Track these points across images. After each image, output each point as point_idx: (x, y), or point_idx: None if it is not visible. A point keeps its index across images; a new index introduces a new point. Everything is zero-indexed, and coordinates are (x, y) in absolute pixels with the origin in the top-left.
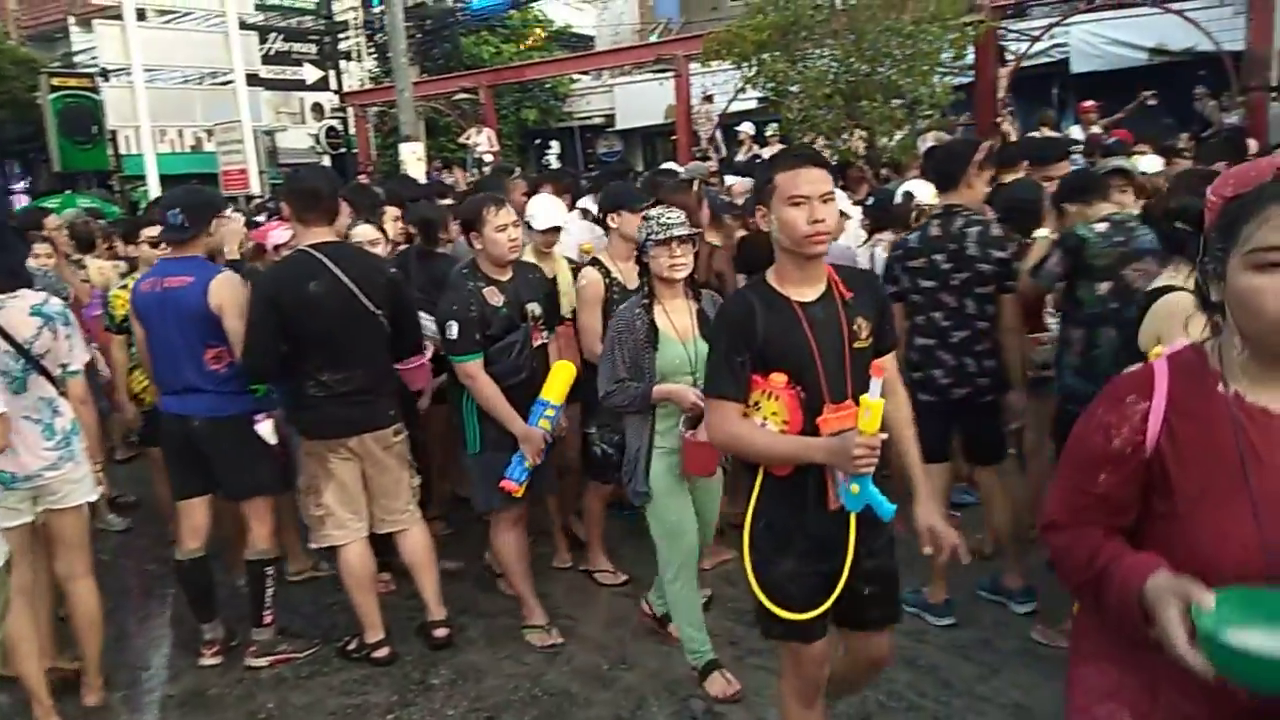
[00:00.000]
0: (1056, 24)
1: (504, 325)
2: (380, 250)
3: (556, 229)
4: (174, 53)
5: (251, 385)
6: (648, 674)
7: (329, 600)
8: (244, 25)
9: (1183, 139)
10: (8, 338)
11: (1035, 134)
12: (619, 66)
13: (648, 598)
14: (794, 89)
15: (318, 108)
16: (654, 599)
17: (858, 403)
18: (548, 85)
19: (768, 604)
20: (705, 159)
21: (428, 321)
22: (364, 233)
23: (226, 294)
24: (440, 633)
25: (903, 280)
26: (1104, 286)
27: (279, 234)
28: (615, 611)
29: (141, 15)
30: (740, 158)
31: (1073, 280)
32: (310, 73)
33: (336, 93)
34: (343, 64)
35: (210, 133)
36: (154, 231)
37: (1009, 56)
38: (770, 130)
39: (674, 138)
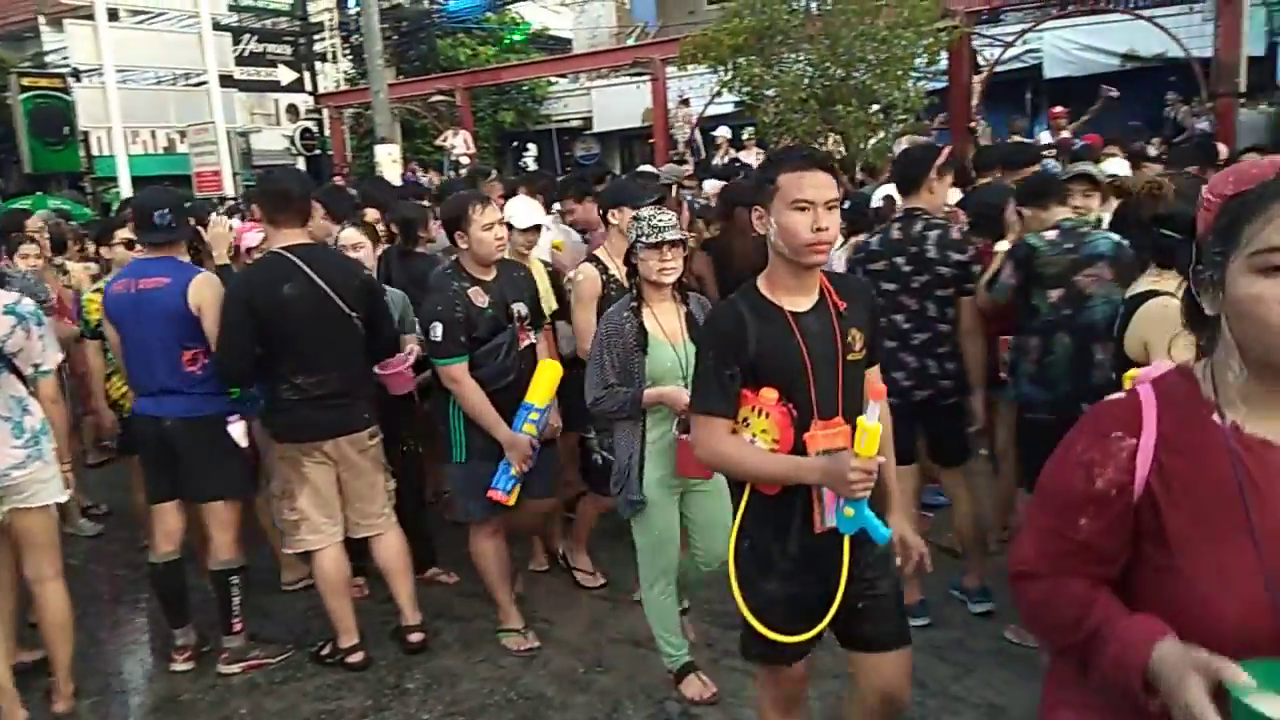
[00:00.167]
0: (1029, 30)
1: (490, 327)
2: (368, 252)
3: (537, 228)
4: (146, 53)
5: (228, 388)
6: (624, 677)
7: (302, 605)
8: (217, 26)
9: (1155, 144)
10: None
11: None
12: (596, 69)
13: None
14: (769, 93)
15: (293, 109)
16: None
17: (846, 419)
18: (525, 88)
19: (756, 624)
20: (682, 162)
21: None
22: (349, 236)
23: (207, 294)
24: (415, 637)
25: None
26: (1055, 294)
27: (252, 236)
28: (592, 615)
29: (113, 15)
30: (717, 161)
31: (1026, 289)
32: (285, 74)
33: (311, 94)
34: (318, 65)
35: (183, 134)
36: (129, 233)
37: (982, 62)
38: (747, 134)
39: (651, 141)
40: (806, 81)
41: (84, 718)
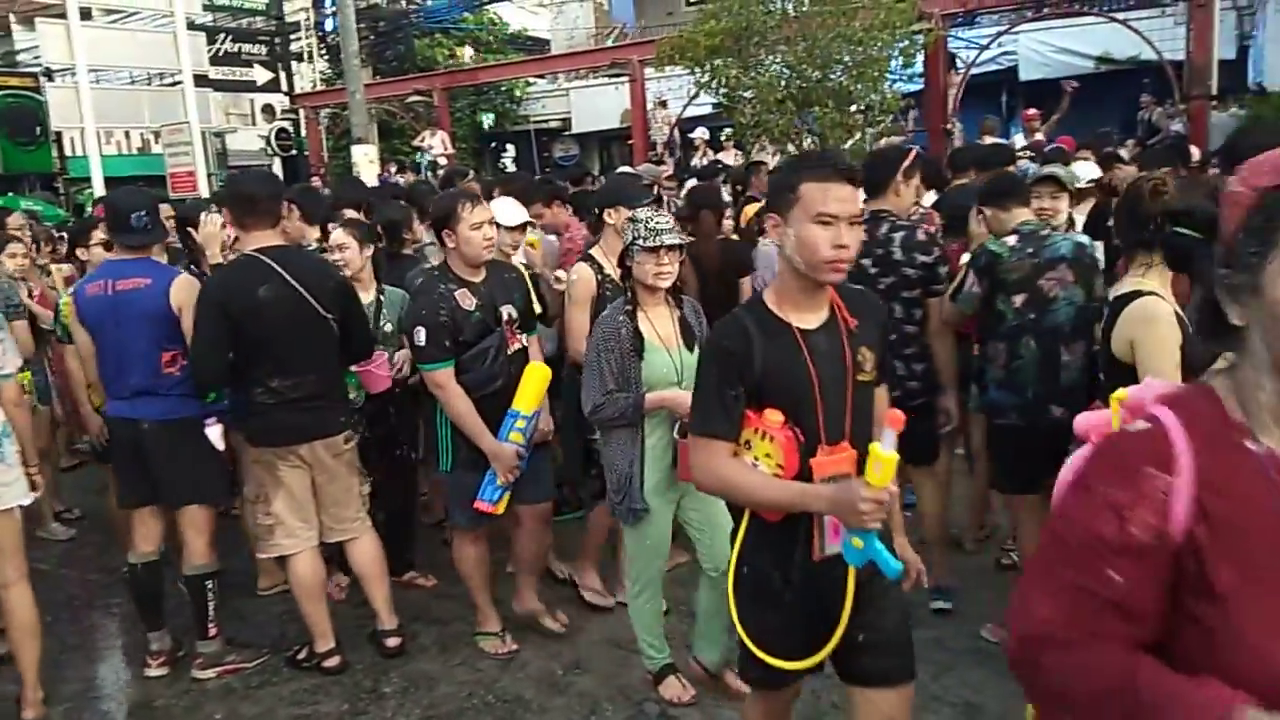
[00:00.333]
0: (1005, 32)
1: (477, 330)
2: (354, 253)
3: (523, 226)
4: (120, 53)
5: (204, 393)
6: (602, 679)
7: (278, 609)
8: (192, 25)
9: (1128, 145)
10: None
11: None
12: (574, 70)
13: (694, 652)
14: (747, 94)
15: (268, 109)
16: (703, 651)
17: (854, 443)
18: (503, 89)
19: (756, 651)
20: (660, 163)
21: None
22: (335, 237)
23: (187, 295)
24: (392, 641)
25: None
26: (1019, 299)
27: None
28: (571, 617)
29: (86, 14)
30: (696, 162)
31: (990, 296)
32: (260, 74)
33: (287, 94)
34: (294, 65)
35: (157, 134)
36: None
37: (959, 64)
38: (725, 135)
39: (630, 142)
40: (783, 83)
41: None
